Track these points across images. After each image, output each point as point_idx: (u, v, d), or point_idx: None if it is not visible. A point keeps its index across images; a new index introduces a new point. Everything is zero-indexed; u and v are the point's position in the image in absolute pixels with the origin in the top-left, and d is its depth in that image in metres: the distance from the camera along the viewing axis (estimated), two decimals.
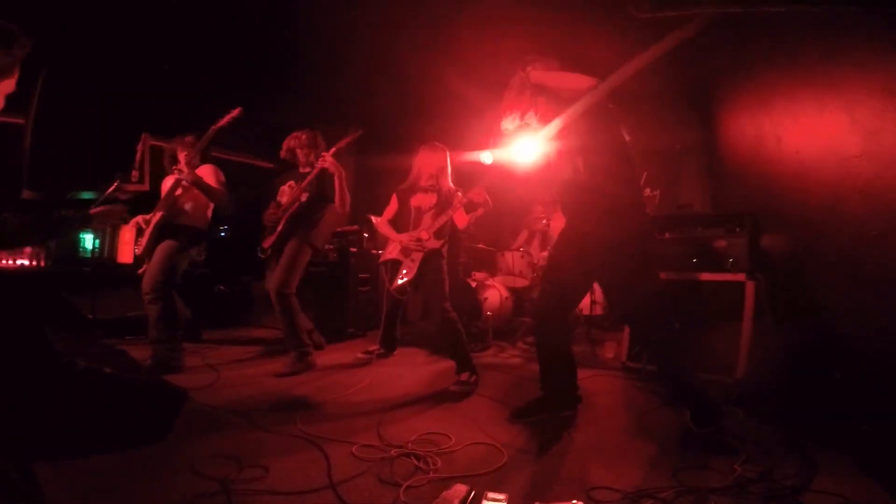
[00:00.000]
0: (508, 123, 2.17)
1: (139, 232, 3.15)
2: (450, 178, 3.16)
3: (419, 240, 2.92)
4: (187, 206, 3.21)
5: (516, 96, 2.12)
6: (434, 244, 2.91)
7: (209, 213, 3.35)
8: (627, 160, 2.12)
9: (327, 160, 2.99)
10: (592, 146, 2.06)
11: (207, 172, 3.20)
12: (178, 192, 3.15)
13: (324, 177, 3.09)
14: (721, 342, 2.67)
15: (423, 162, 3.14)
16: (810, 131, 2.39)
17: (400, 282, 2.91)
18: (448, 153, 3.18)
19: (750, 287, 2.66)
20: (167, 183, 3.28)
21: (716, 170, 4.47)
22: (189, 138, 3.25)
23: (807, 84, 2.41)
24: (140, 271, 3.07)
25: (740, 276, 2.71)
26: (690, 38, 2.87)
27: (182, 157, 3.19)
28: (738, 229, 2.92)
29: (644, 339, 2.29)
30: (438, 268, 2.89)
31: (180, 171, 3.10)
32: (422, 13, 3.67)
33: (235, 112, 3.05)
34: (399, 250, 3.00)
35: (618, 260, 2.03)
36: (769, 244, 2.98)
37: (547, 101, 2.13)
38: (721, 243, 2.90)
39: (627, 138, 2.17)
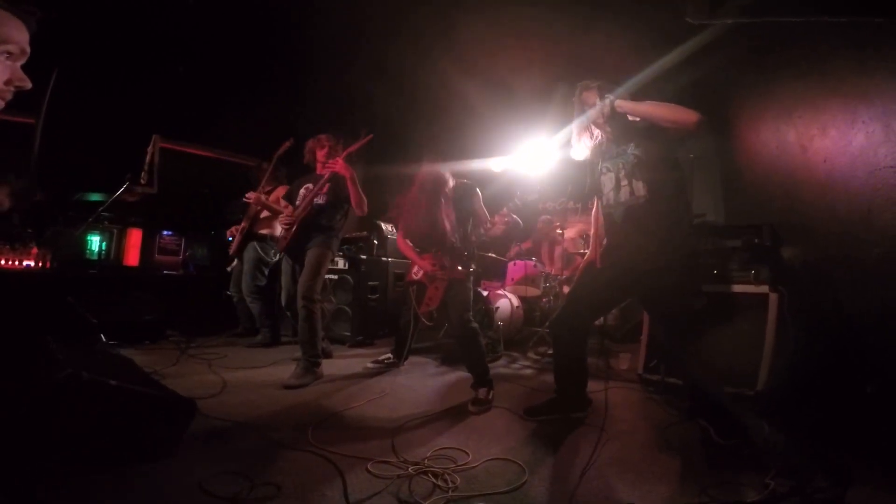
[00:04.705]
0: (581, 148, 2.33)
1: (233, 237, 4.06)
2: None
3: (443, 267, 2.77)
4: (262, 216, 4.03)
5: (588, 122, 2.26)
6: (459, 274, 2.74)
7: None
8: (683, 181, 2.20)
9: (338, 164, 2.93)
10: (660, 170, 2.10)
11: (281, 193, 3.80)
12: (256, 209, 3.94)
13: (338, 181, 3.05)
14: (740, 354, 2.59)
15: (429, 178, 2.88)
16: (840, 141, 2.33)
17: (427, 308, 2.80)
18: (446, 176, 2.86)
19: (773, 299, 2.58)
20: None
21: (731, 179, 4.39)
22: (264, 165, 4.04)
23: (837, 94, 2.36)
24: (228, 268, 4.12)
25: (763, 288, 2.63)
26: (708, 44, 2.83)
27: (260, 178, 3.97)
28: (756, 240, 2.85)
29: (674, 352, 2.25)
30: (463, 286, 2.74)
31: (247, 197, 3.79)
32: (429, 18, 3.65)
33: (368, 138, 3.09)
34: (423, 274, 2.86)
35: (665, 281, 2.04)
36: (791, 255, 2.90)
37: (615, 127, 2.23)
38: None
39: None
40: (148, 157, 3.96)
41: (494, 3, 3.48)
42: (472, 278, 2.82)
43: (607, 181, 2.23)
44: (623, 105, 2.11)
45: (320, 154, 3.21)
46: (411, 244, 2.99)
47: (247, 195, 3.80)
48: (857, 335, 2.26)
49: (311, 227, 3.06)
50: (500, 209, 2.93)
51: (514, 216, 2.89)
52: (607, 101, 2.13)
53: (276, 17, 3.73)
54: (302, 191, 3.23)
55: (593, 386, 2.64)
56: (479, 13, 3.54)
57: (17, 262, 3.51)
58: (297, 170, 3.53)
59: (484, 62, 4.12)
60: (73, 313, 2.99)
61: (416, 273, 2.91)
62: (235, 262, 4.11)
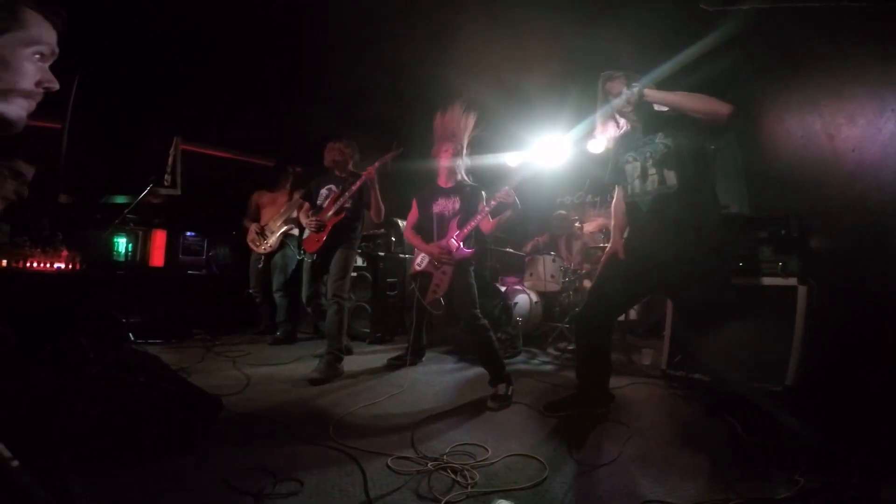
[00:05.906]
0: (603, 139, 2.37)
1: (263, 236, 4.33)
2: (463, 168, 2.95)
3: (449, 252, 2.79)
4: (293, 217, 4.22)
5: (613, 111, 2.24)
6: (464, 254, 2.76)
7: None
8: (711, 171, 2.19)
9: (372, 174, 3.09)
10: (691, 160, 2.05)
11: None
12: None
13: (363, 188, 3.19)
14: (769, 348, 2.52)
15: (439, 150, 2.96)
16: (869, 130, 2.25)
17: (434, 296, 2.80)
18: (464, 119, 2.98)
19: (802, 291, 2.51)
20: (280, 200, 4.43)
21: (754, 170, 4.28)
22: (289, 168, 4.57)
23: (864, 82, 2.27)
24: (260, 265, 4.30)
25: (792, 281, 2.56)
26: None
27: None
28: (784, 231, 2.77)
29: (700, 347, 2.20)
30: (467, 273, 2.76)
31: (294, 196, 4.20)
32: (446, 17, 3.63)
33: (399, 150, 3.21)
34: (428, 262, 2.87)
35: (692, 272, 2.00)
36: (820, 246, 2.81)
37: (641, 116, 2.20)
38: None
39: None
40: (170, 160, 4.05)
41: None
42: (473, 266, 2.81)
43: (632, 170, 2.19)
44: (652, 94, 2.05)
45: (353, 162, 3.39)
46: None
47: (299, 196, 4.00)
48: (890, 327, 2.18)
49: (342, 229, 3.21)
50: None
51: (515, 198, 2.79)
52: (635, 90, 2.06)
53: (296, 19, 3.76)
54: (323, 191, 3.34)
55: (617, 382, 2.62)
56: (491, 11, 3.51)
57: (48, 265, 3.64)
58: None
59: (496, 59, 4.08)
60: (102, 313, 3.09)
61: (420, 264, 2.92)
62: (262, 262, 4.30)
